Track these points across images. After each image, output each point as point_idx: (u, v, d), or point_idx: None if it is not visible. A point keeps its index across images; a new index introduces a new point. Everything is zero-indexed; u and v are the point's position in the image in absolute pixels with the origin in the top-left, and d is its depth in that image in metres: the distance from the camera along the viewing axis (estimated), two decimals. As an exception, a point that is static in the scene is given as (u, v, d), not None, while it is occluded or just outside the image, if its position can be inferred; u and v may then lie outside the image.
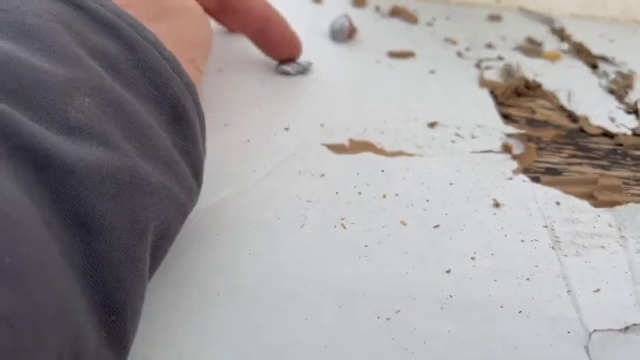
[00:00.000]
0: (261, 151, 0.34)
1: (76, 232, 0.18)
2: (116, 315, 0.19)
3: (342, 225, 0.30)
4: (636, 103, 0.41)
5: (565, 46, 0.50)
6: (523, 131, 0.37)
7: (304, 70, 0.40)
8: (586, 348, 0.25)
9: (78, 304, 0.18)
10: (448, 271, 0.28)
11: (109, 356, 0.19)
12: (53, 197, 0.18)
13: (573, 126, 0.39)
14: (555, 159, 0.36)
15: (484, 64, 0.45)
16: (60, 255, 0.17)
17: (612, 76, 0.44)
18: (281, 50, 0.41)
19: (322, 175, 0.33)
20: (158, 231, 0.22)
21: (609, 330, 0.25)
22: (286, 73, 0.40)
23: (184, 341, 0.24)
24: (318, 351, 0.24)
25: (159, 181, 0.21)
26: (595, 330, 0.25)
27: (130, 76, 0.22)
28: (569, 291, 0.27)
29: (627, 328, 0.25)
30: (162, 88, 0.23)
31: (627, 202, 0.32)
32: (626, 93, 0.43)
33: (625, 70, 0.45)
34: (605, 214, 0.31)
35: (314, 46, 0.45)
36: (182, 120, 0.24)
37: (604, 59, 0.47)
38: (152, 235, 0.21)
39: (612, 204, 0.32)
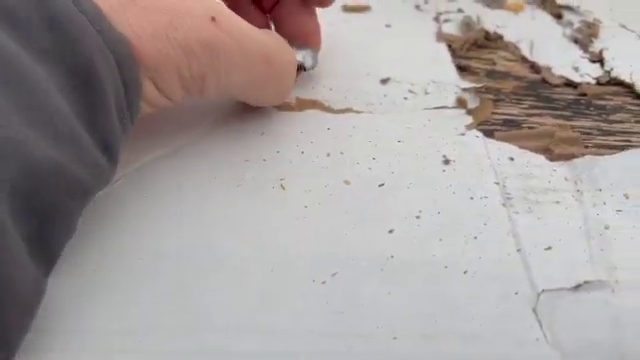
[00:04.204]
0: (197, 109, 0.32)
1: None
2: None
3: (281, 185, 0.28)
4: (601, 52, 0.39)
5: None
6: (480, 85, 0.35)
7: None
8: (534, 309, 0.23)
9: None
10: (391, 231, 0.26)
11: None
12: None
13: (535, 77, 0.37)
14: (514, 110, 0.34)
15: (443, 17, 0.43)
16: None
17: (577, 25, 0.42)
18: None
19: (262, 134, 0.31)
20: (39, 212, 0.19)
21: (559, 289, 0.23)
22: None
23: (103, 309, 0.22)
24: (246, 317, 0.22)
25: (44, 153, 0.19)
26: (544, 290, 0.23)
27: (30, 31, 0.19)
28: (519, 250, 0.25)
29: (578, 286, 0.24)
30: (70, 48, 0.20)
31: (584, 155, 0.30)
32: (591, 42, 0.40)
33: (590, 19, 0.43)
34: (561, 168, 0.29)
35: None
36: (91, 87, 0.21)
37: (569, 8, 0.45)
38: (29, 215, 0.18)
39: (569, 157, 0.30)
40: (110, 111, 0.22)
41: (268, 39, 0.28)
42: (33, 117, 0.18)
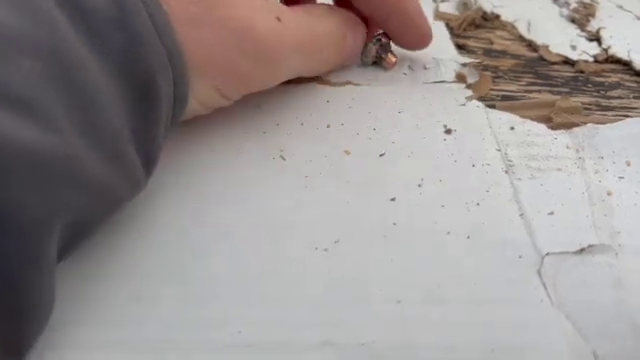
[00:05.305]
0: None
1: None
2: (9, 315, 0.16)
3: (281, 156, 0.27)
4: (598, 31, 0.39)
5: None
6: (478, 60, 0.35)
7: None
8: (538, 272, 0.23)
9: None
10: (393, 199, 0.25)
11: None
12: None
13: (533, 55, 0.37)
14: (513, 87, 0.34)
15: (440, -4, 0.43)
16: None
17: (573, 5, 0.42)
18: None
19: (260, 107, 0.30)
20: (74, 229, 0.18)
21: (563, 253, 0.23)
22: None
23: (101, 281, 0.22)
24: (247, 287, 0.22)
25: (96, 174, 0.18)
26: (548, 253, 0.23)
27: (106, 38, 0.19)
28: (522, 215, 0.25)
29: (582, 250, 0.23)
30: (140, 63, 0.19)
31: (585, 123, 0.30)
32: (588, 21, 0.40)
33: (587, -1, 0.43)
34: (562, 136, 0.29)
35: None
36: (150, 103, 0.20)
37: (566, -11, 0.45)
38: (63, 231, 0.18)
39: (570, 126, 0.30)
40: (160, 128, 0.21)
41: (327, 28, 0.29)
42: (92, 133, 0.18)
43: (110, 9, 0.19)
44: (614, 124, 0.30)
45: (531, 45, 0.38)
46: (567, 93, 0.33)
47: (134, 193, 0.22)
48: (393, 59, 0.34)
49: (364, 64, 0.34)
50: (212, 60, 0.23)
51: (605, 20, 0.41)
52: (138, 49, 0.19)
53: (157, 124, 0.21)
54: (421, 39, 0.33)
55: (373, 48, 0.33)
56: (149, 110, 0.20)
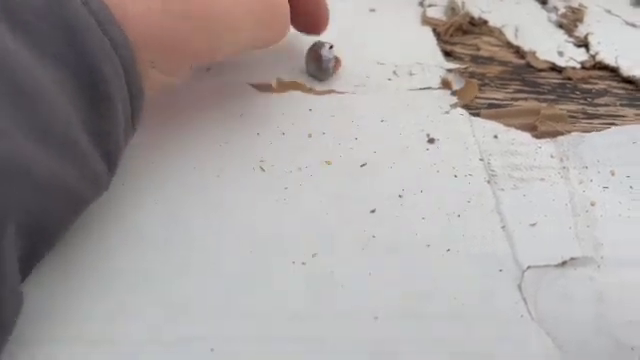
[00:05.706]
0: (177, 93, 0.31)
1: None
2: None
3: (261, 167, 0.27)
4: (586, 36, 0.39)
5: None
6: (464, 66, 0.35)
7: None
8: (519, 286, 0.22)
9: None
10: (373, 211, 0.25)
11: None
12: None
13: (520, 62, 0.37)
14: (499, 95, 0.33)
15: (428, 1, 0.42)
16: None
17: (562, 10, 0.42)
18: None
19: (242, 115, 0.30)
20: (31, 231, 0.18)
21: (544, 266, 0.23)
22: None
23: (75, 294, 0.21)
24: (221, 301, 0.21)
25: (47, 169, 0.17)
26: (529, 267, 0.23)
27: (39, 31, 0.18)
28: (503, 226, 0.24)
29: (564, 262, 0.23)
30: (79, 51, 0.19)
31: (570, 132, 0.29)
32: (575, 26, 0.40)
33: (575, 4, 0.43)
34: (547, 145, 0.29)
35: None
36: (99, 93, 0.19)
37: (554, -6, 0.44)
38: (19, 235, 0.17)
39: (555, 134, 0.29)
40: (117, 120, 0.20)
41: None
42: (37, 129, 0.17)
43: (42, 4, 0.18)
44: (599, 133, 0.30)
45: (519, 51, 0.37)
46: (554, 100, 0.33)
47: (96, 191, 0.21)
48: (341, 60, 0.33)
49: (327, 76, 0.33)
50: (138, 31, 0.21)
51: (593, 25, 0.40)
52: (77, 43, 0.19)
53: (111, 114, 0.20)
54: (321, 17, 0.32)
55: (332, 57, 0.32)
56: (100, 103, 0.20)
